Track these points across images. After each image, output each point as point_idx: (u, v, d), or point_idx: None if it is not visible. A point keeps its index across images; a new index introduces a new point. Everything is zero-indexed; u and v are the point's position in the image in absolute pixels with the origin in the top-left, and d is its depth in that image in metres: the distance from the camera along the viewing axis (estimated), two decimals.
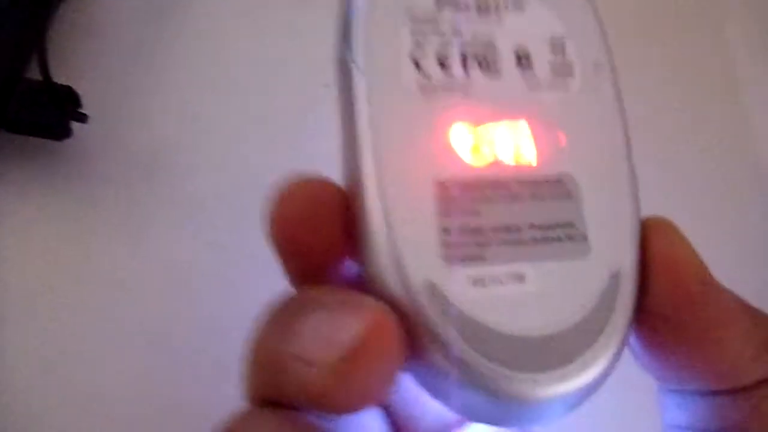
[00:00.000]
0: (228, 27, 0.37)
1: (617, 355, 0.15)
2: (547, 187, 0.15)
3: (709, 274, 0.16)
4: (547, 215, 0.15)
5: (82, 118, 0.31)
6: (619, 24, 0.19)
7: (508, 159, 0.16)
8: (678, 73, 0.39)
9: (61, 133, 0.31)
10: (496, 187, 0.15)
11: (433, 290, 0.14)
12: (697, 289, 0.15)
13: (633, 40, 0.31)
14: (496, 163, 0.15)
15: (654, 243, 0.16)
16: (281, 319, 0.15)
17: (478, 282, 0.14)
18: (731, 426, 0.16)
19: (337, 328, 0.14)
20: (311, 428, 0.14)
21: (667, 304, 0.15)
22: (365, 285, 0.15)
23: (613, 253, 0.15)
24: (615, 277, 0.15)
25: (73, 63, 0.34)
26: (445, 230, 0.15)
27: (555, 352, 0.14)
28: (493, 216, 0.15)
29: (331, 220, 0.15)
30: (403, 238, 0.14)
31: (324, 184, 0.16)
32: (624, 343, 0.15)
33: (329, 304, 0.14)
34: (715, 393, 0.16)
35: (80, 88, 0.31)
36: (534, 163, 0.16)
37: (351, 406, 0.14)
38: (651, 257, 0.15)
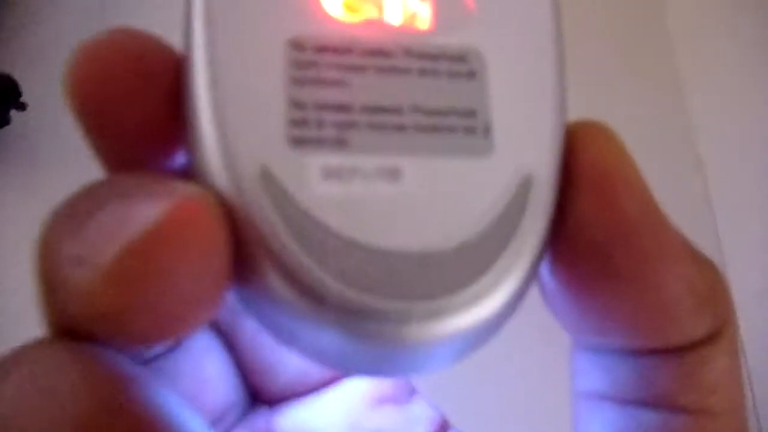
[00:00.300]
0: (169, 19, 0.37)
1: (522, 287, 0.11)
2: (445, 62, 0.11)
3: (652, 198, 0.12)
4: (441, 97, 0.11)
5: (21, 107, 0.32)
6: None
7: (394, 19, 0.11)
8: (611, 26, 0.39)
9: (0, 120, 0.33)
10: (374, 53, 0.11)
11: (269, 180, 0.10)
12: (635, 214, 0.12)
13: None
14: (376, 23, 0.11)
15: (583, 150, 0.12)
16: (68, 213, 0.11)
17: (332, 174, 0.10)
18: (658, 395, 0.13)
19: (126, 217, 0.10)
20: (110, 370, 0.10)
21: (594, 229, 0.12)
22: (193, 176, 0.11)
23: (525, 153, 0.11)
24: (524, 185, 0.11)
25: (13, 51, 0.35)
26: (296, 103, 0.11)
27: (436, 276, 0.10)
28: (365, 91, 0.11)
29: (153, 85, 0.11)
30: (237, 109, 0.10)
31: (148, 40, 0.11)
32: (532, 272, 0.11)
33: (128, 190, 0.10)
34: (642, 352, 0.13)
35: (20, 77, 0.32)
36: (429, 29, 0.12)
37: (142, 328, 0.10)
38: (578, 168, 0.12)
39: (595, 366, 0.14)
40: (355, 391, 0.16)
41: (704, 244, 0.13)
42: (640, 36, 0.41)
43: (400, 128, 0.11)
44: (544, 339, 0.15)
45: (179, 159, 0.12)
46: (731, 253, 0.34)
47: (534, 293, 0.12)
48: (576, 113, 0.12)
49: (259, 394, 0.15)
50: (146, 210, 0.10)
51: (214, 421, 0.14)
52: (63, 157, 0.33)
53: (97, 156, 0.12)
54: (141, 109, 0.11)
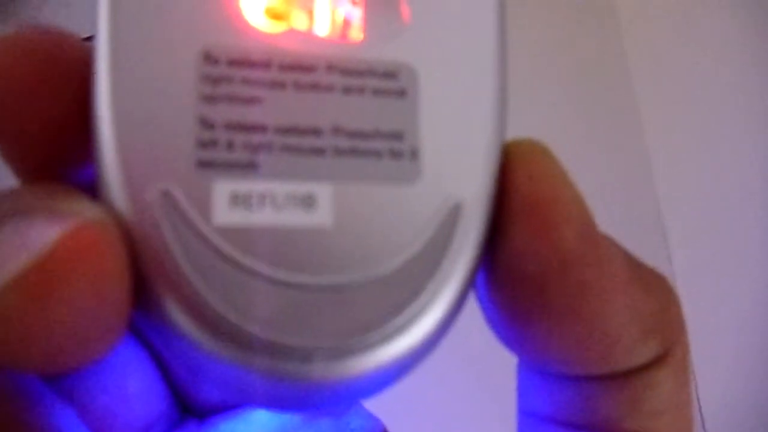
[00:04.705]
0: None
1: (441, 327, 0.10)
2: (373, 79, 0.11)
3: (592, 224, 0.11)
4: (366, 118, 0.10)
5: None
6: None
7: (321, 29, 0.11)
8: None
9: None
10: (294, 67, 0.10)
11: (171, 204, 0.09)
12: (571, 244, 0.11)
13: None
14: (300, 33, 0.11)
15: (515, 173, 0.11)
16: None
17: (240, 201, 0.10)
18: (603, 420, 0.12)
19: (19, 241, 0.09)
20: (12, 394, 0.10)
21: (526, 261, 0.11)
22: (97, 193, 0.10)
23: (455, 180, 0.11)
24: (452, 215, 0.11)
25: None
26: (205, 122, 0.10)
27: (347, 312, 0.10)
28: (282, 110, 0.10)
29: (61, 87, 0.10)
30: (140, 125, 0.10)
31: (60, 37, 0.11)
32: (454, 309, 0.11)
33: (29, 207, 0.10)
34: (585, 378, 0.12)
35: None
36: (358, 41, 0.11)
37: (31, 361, 0.09)
38: (510, 193, 0.11)
39: (539, 387, 0.13)
40: None
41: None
42: (596, 63, 0.42)
43: (318, 152, 0.10)
44: (492, 351, 0.14)
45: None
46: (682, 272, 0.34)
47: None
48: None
49: (190, 406, 0.15)
50: (41, 234, 0.09)
51: None
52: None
53: (7, 163, 0.11)
54: (46, 112, 0.10)
